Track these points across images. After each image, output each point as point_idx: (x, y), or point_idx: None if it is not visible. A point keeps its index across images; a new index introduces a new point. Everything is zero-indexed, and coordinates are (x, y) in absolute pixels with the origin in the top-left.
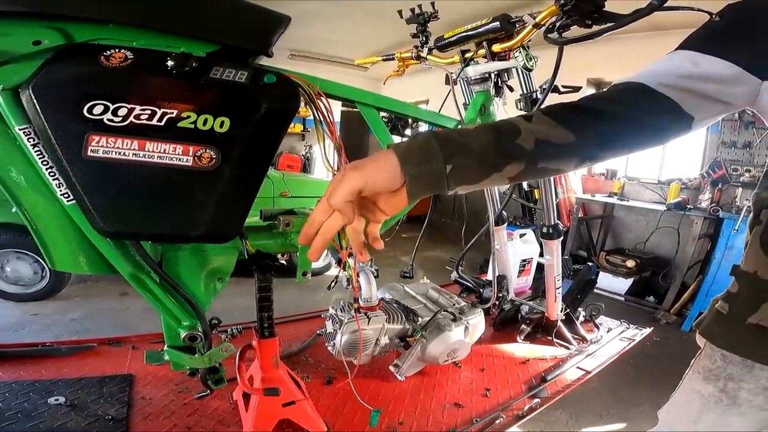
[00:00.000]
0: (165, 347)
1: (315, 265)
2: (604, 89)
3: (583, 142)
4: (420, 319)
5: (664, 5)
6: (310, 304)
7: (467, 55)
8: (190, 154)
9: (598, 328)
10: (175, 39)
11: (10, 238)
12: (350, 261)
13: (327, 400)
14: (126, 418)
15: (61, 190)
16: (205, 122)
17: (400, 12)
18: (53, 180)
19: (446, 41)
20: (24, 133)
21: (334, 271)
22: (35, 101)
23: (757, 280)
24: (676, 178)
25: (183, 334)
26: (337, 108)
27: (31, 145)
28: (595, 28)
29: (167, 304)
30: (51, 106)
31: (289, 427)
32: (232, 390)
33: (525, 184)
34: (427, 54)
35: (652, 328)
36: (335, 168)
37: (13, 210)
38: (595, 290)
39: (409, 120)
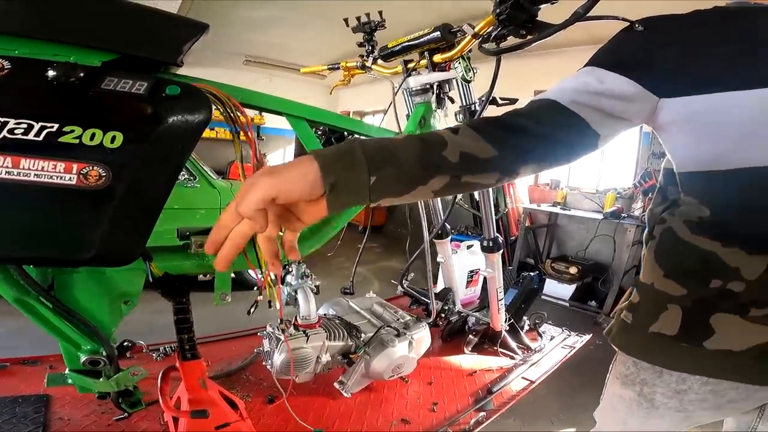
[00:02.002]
0: (66, 370)
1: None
2: (524, 105)
3: (503, 157)
4: (363, 335)
5: (588, 15)
6: (252, 319)
7: (410, 65)
8: (74, 171)
9: (541, 336)
10: (64, 48)
11: None
12: (271, 278)
13: (268, 419)
14: None
15: None
16: (92, 137)
17: (346, 20)
18: None
19: (389, 51)
20: None
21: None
22: None
23: (655, 291)
24: (611, 188)
25: (83, 358)
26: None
27: None
28: (530, 38)
29: (62, 329)
30: None
31: None
32: (161, 412)
33: (476, 194)
34: (372, 64)
35: (591, 335)
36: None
37: None
38: (542, 296)
39: (345, 133)
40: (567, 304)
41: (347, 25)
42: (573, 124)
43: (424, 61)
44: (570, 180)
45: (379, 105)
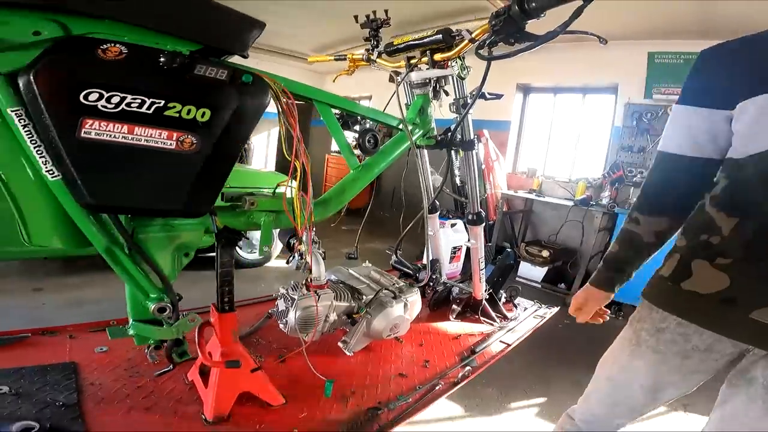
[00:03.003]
0: (130, 322)
1: (252, 257)
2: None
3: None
4: (364, 297)
5: (566, 30)
6: (250, 294)
7: (412, 61)
8: (174, 138)
9: (516, 307)
10: (162, 37)
11: None
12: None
13: (281, 377)
14: (78, 404)
15: (46, 167)
16: (188, 112)
17: (356, 17)
18: (40, 158)
19: (395, 48)
20: (15, 114)
21: (273, 263)
22: (36, 87)
23: (673, 246)
24: (583, 178)
25: (152, 306)
26: None
27: (22, 125)
28: (517, 45)
29: (137, 277)
30: (50, 92)
31: (249, 401)
32: (186, 371)
33: (458, 180)
34: (377, 57)
35: (559, 307)
36: (294, 155)
37: None
38: (517, 278)
39: (358, 117)
40: (539, 286)
41: (356, 22)
42: (683, 164)
43: (425, 59)
44: (546, 169)
45: (363, 92)
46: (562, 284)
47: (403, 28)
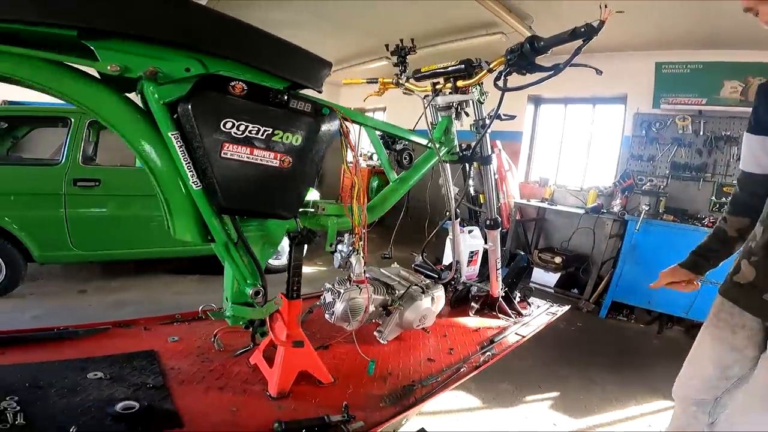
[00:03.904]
0: (229, 304)
1: (278, 263)
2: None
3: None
4: (396, 292)
5: (570, 64)
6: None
7: (438, 86)
8: (278, 158)
9: (529, 305)
10: (266, 75)
11: None
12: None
13: (326, 361)
14: (164, 385)
15: (193, 179)
16: (287, 138)
17: (386, 45)
18: (189, 172)
19: (422, 74)
20: (174, 137)
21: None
22: (192, 115)
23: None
24: (594, 186)
25: (250, 290)
26: None
27: (178, 146)
28: (528, 76)
29: (240, 266)
30: (203, 120)
31: (303, 381)
32: (248, 358)
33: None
34: (405, 81)
35: (569, 306)
36: (353, 171)
37: None
38: (530, 284)
39: (396, 138)
40: (552, 291)
41: (387, 50)
42: (756, 181)
43: (448, 85)
44: (558, 178)
45: (378, 103)
46: (575, 289)
47: (419, 42)
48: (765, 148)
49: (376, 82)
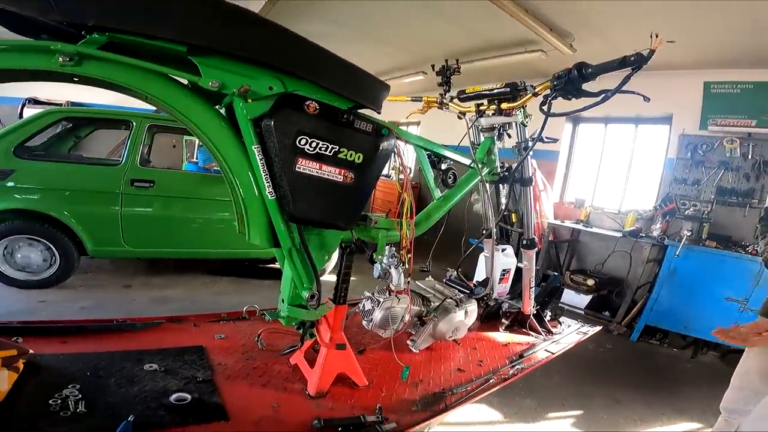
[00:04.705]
0: (285, 306)
1: None
2: None
3: None
4: (431, 303)
5: (619, 91)
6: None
7: (482, 108)
8: (342, 174)
9: (560, 324)
10: (334, 96)
11: (24, 225)
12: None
13: (361, 366)
14: (212, 380)
15: (268, 189)
16: (351, 155)
17: (432, 66)
18: (266, 183)
19: (466, 95)
20: (256, 150)
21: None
22: (274, 131)
23: None
24: (633, 210)
25: (307, 293)
26: None
27: (259, 159)
28: (573, 101)
29: (301, 272)
30: (283, 136)
31: (339, 383)
32: (288, 358)
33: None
34: (450, 101)
35: (601, 326)
36: (404, 186)
37: (32, 197)
38: (560, 305)
39: (442, 157)
40: (582, 312)
41: (433, 70)
42: None
43: (492, 106)
44: (594, 200)
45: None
46: (607, 312)
47: (457, 57)
48: None
49: (421, 101)
